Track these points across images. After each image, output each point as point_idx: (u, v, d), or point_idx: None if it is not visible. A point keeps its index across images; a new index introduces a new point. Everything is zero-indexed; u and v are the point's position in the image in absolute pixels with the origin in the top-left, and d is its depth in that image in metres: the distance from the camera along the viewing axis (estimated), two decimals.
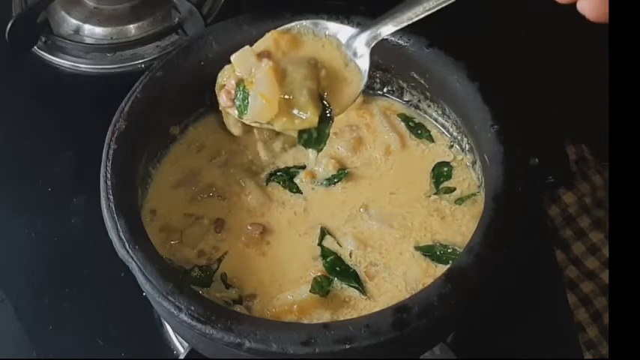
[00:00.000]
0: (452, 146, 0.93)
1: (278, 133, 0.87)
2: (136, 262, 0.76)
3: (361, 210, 0.90)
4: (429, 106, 0.95)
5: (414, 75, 0.92)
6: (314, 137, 0.80)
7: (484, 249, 0.75)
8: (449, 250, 0.85)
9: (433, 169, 0.92)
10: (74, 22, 1.21)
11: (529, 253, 0.99)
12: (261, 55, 0.79)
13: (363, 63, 0.79)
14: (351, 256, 0.87)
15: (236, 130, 0.87)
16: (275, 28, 0.88)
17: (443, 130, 0.95)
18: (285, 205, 0.91)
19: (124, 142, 0.83)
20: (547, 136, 1.08)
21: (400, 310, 0.72)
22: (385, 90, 0.97)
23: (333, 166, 0.93)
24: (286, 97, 0.77)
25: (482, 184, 0.87)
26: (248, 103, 0.79)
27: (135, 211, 0.82)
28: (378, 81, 0.96)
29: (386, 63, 0.91)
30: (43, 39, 1.19)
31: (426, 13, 0.74)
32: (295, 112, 0.78)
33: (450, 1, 0.71)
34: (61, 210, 1.05)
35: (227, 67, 0.81)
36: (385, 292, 0.84)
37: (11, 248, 1.04)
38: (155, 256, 0.77)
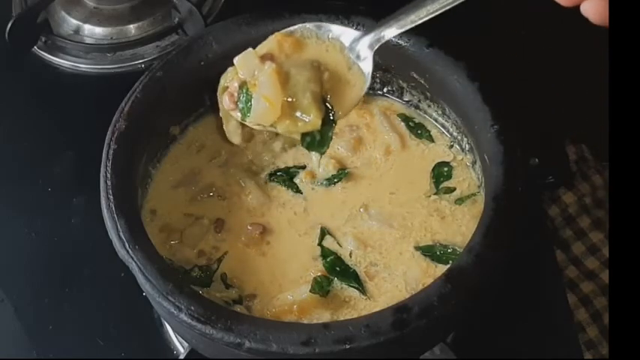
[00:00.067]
0: (452, 146, 0.93)
1: (278, 133, 0.86)
2: (136, 262, 0.76)
3: (361, 210, 0.90)
4: (429, 106, 0.95)
5: (414, 75, 0.92)
6: (317, 140, 0.81)
7: (484, 249, 0.75)
8: (449, 250, 0.85)
9: (433, 169, 0.92)
10: (74, 22, 1.21)
11: (529, 253, 0.99)
12: (264, 58, 0.79)
13: (366, 66, 0.79)
14: (351, 256, 0.87)
15: (236, 138, 0.87)
16: (275, 28, 0.88)
17: (443, 130, 0.95)
18: (285, 205, 0.91)
19: (124, 142, 0.83)
20: (547, 136, 1.08)
21: (400, 310, 0.72)
22: (385, 90, 0.97)
23: (333, 166, 0.93)
24: (289, 99, 0.77)
25: (482, 184, 0.87)
26: (251, 105, 0.79)
27: (135, 211, 0.82)
28: (378, 81, 0.96)
29: (386, 63, 0.91)
30: (43, 39, 1.19)
31: (430, 16, 0.74)
32: (298, 114, 0.78)
33: (454, 4, 0.71)
34: (61, 210, 1.05)
35: (230, 69, 0.81)
36: (385, 292, 0.84)
37: (11, 248, 1.04)
38: (155, 256, 0.77)
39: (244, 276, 0.86)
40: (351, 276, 0.85)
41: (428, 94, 0.93)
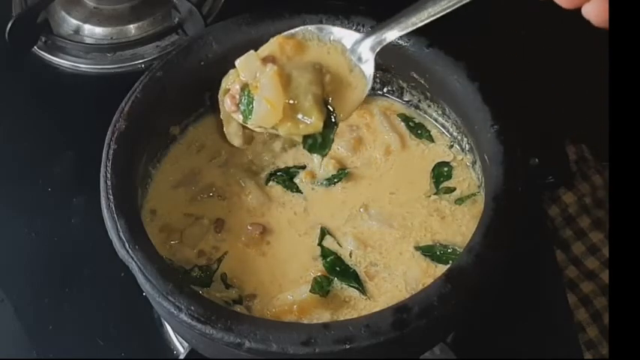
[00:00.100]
0: (452, 146, 0.93)
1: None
2: (136, 262, 0.76)
3: (361, 210, 0.90)
4: (429, 106, 0.95)
5: (414, 75, 0.92)
6: (318, 142, 0.81)
7: (484, 249, 0.75)
8: (449, 250, 0.85)
9: (433, 169, 0.92)
10: (74, 22, 1.21)
11: (529, 253, 0.99)
12: (265, 60, 0.79)
13: (368, 68, 0.79)
14: (351, 256, 0.87)
15: (237, 140, 0.86)
16: (275, 28, 0.88)
17: (443, 130, 0.95)
18: (285, 205, 0.91)
19: (124, 142, 0.83)
20: (547, 136, 1.08)
21: (400, 310, 0.72)
22: (385, 90, 0.97)
23: (333, 166, 0.93)
24: (291, 102, 0.77)
25: (482, 184, 0.87)
26: (253, 107, 0.79)
27: (135, 211, 0.82)
28: (378, 81, 0.96)
29: (386, 63, 0.91)
30: (43, 39, 1.19)
31: (431, 19, 0.74)
32: (300, 117, 0.78)
33: (455, 7, 0.72)
34: (61, 210, 1.05)
35: (231, 71, 0.81)
36: (385, 292, 0.84)
37: (11, 248, 1.04)
38: (155, 256, 0.77)
39: (244, 276, 0.86)
40: (351, 276, 0.85)
41: (428, 94, 0.93)
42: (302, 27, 0.81)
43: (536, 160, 1.03)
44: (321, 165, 0.92)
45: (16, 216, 1.06)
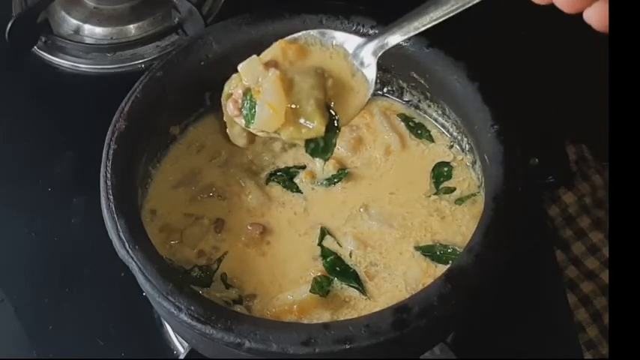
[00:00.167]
0: (452, 146, 0.93)
1: None
2: (136, 262, 0.76)
3: (361, 210, 0.90)
4: (429, 106, 0.95)
5: (414, 75, 0.92)
6: (321, 146, 0.81)
7: (484, 249, 0.75)
8: (449, 250, 0.85)
9: (433, 169, 0.92)
10: (74, 22, 1.21)
11: (529, 253, 0.99)
12: (268, 65, 0.79)
13: (370, 72, 0.80)
14: (351, 256, 0.87)
15: (241, 141, 0.87)
16: (275, 28, 0.89)
17: (443, 130, 0.95)
18: (285, 205, 0.91)
19: (124, 142, 0.83)
20: (547, 136, 1.08)
21: (400, 310, 0.72)
22: (385, 90, 0.97)
23: (333, 166, 0.93)
24: (293, 106, 0.77)
25: (482, 184, 0.87)
26: (255, 112, 0.79)
27: (135, 211, 0.82)
28: (378, 81, 0.96)
29: (386, 63, 0.91)
30: (43, 39, 1.19)
31: (433, 23, 0.74)
32: (302, 121, 0.78)
33: (457, 11, 0.72)
34: (61, 210, 1.05)
35: (234, 76, 0.81)
36: (385, 292, 0.84)
37: (11, 248, 1.04)
38: (155, 256, 0.77)
39: (244, 276, 0.86)
40: (351, 276, 0.85)
41: (428, 94, 0.93)
42: (304, 32, 0.81)
43: (536, 160, 1.03)
44: (323, 169, 0.92)
45: (16, 216, 1.06)
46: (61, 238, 1.03)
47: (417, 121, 0.96)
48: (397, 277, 0.85)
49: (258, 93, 0.79)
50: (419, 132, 0.95)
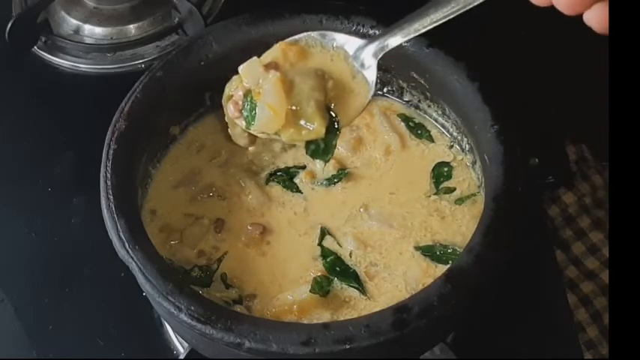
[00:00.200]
0: (452, 146, 0.93)
1: None
2: (136, 262, 0.76)
3: (361, 210, 0.90)
4: (429, 106, 0.95)
5: (414, 75, 0.92)
6: (321, 148, 0.81)
7: (484, 249, 0.75)
8: (449, 250, 0.85)
9: (433, 169, 0.92)
10: (74, 22, 1.21)
11: (529, 253, 0.99)
12: (268, 67, 0.79)
13: (371, 74, 0.80)
14: (351, 256, 0.87)
15: (243, 141, 0.87)
16: (275, 28, 0.89)
17: (443, 130, 0.95)
18: (285, 205, 0.91)
19: (124, 142, 0.83)
20: (547, 136, 1.08)
21: (400, 310, 0.72)
22: (385, 90, 0.97)
23: (333, 166, 0.93)
24: (293, 108, 0.78)
25: (482, 184, 0.87)
26: (255, 113, 0.79)
27: (135, 211, 0.82)
28: (378, 81, 0.95)
29: (386, 63, 0.91)
30: (43, 39, 1.19)
31: (433, 25, 0.75)
32: (302, 123, 0.78)
33: (457, 13, 0.72)
34: (61, 210, 1.05)
35: (235, 77, 0.82)
36: (385, 292, 0.84)
37: (11, 248, 1.04)
38: (155, 256, 0.77)
39: (244, 276, 0.86)
40: (351, 276, 0.85)
41: (428, 94, 0.93)
42: (305, 33, 0.82)
43: (536, 160, 1.03)
44: (323, 170, 0.92)
45: (16, 216, 1.06)
46: (61, 238, 1.03)
47: (417, 121, 0.96)
48: (397, 277, 0.85)
49: (258, 94, 0.79)
50: (419, 132, 0.95)
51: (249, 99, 0.80)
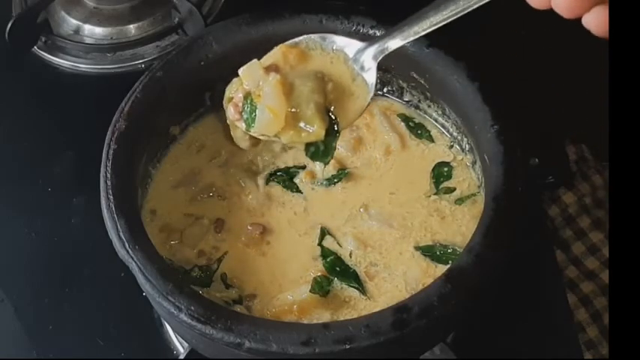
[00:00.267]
0: (452, 146, 0.93)
1: None
2: (136, 262, 0.76)
3: (361, 210, 0.90)
4: (429, 106, 0.95)
5: (414, 75, 0.92)
6: (321, 150, 0.81)
7: (484, 249, 0.75)
8: (449, 250, 0.85)
9: (433, 169, 0.92)
10: (74, 22, 1.21)
11: (529, 253, 0.99)
12: (269, 69, 0.79)
13: (370, 77, 0.80)
14: (351, 256, 0.87)
15: (244, 143, 0.87)
16: (275, 28, 0.89)
17: (443, 130, 0.95)
18: (285, 205, 0.91)
19: (124, 142, 0.83)
20: (547, 136, 1.08)
21: (400, 310, 0.72)
22: (385, 90, 0.97)
23: (333, 166, 0.93)
24: (293, 110, 0.78)
25: (482, 184, 0.87)
26: (255, 116, 0.79)
27: (135, 211, 0.82)
28: (378, 81, 0.95)
29: (386, 63, 0.91)
30: (43, 39, 1.19)
31: (433, 28, 0.75)
32: (302, 125, 0.78)
33: (457, 16, 0.72)
34: (61, 210, 1.05)
35: (235, 80, 0.82)
36: (385, 292, 0.84)
37: (11, 248, 1.04)
38: (155, 256, 0.77)
39: (244, 276, 0.86)
40: (351, 276, 0.85)
41: (428, 94, 0.93)
42: (305, 36, 0.82)
43: (536, 160, 1.03)
44: (323, 172, 0.92)
45: (16, 216, 1.06)
46: (61, 238, 1.03)
47: (417, 121, 0.96)
48: (397, 277, 0.85)
49: (258, 97, 0.79)
50: (419, 132, 0.95)
51: (249, 101, 0.80)
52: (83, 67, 1.19)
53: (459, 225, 0.87)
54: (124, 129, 0.84)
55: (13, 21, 1.14)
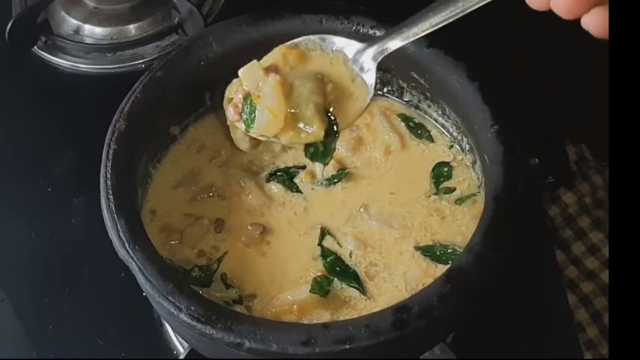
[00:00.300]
0: (452, 146, 0.93)
1: None
2: (136, 262, 0.76)
3: (361, 210, 0.90)
4: (429, 106, 0.95)
5: (414, 75, 0.92)
6: (320, 151, 0.82)
7: (484, 249, 0.75)
8: (449, 250, 0.85)
9: (433, 169, 0.92)
10: (74, 22, 1.21)
11: (529, 253, 0.99)
12: (268, 70, 0.79)
13: (370, 78, 0.80)
14: (351, 256, 0.87)
15: (244, 144, 0.87)
16: (275, 28, 0.89)
17: (443, 130, 0.95)
18: (285, 205, 0.91)
19: (124, 142, 0.83)
20: (547, 136, 1.08)
21: (400, 310, 0.72)
22: (385, 90, 0.97)
23: (333, 166, 0.93)
24: (292, 111, 0.78)
25: (482, 184, 0.87)
26: (255, 116, 0.79)
27: (135, 211, 0.82)
28: (378, 81, 0.96)
29: (386, 63, 0.91)
30: (43, 39, 1.19)
31: (433, 29, 0.75)
32: (301, 125, 0.78)
33: (456, 17, 0.72)
34: (61, 210, 1.05)
35: (235, 80, 0.82)
36: (385, 292, 0.84)
37: (11, 248, 1.04)
38: (155, 256, 0.77)
39: (244, 276, 0.86)
40: (351, 276, 0.85)
41: (428, 94, 0.93)
42: (305, 37, 0.82)
43: (536, 160, 1.03)
44: (322, 173, 0.92)
45: (16, 216, 1.06)
46: (61, 238, 1.03)
47: (417, 121, 0.96)
48: (397, 277, 0.85)
49: (258, 98, 0.79)
50: (419, 132, 0.95)
51: (248, 102, 0.80)
52: (83, 67, 1.19)
53: (459, 225, 0.87)
54: (124, 129, 0.84)
55: (13, 21, 1.14)
